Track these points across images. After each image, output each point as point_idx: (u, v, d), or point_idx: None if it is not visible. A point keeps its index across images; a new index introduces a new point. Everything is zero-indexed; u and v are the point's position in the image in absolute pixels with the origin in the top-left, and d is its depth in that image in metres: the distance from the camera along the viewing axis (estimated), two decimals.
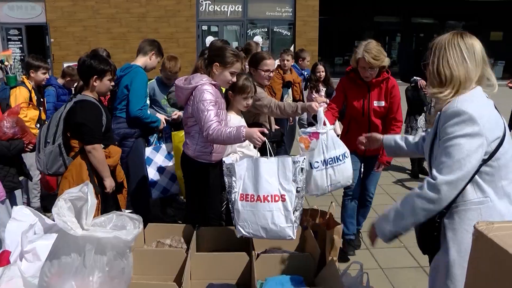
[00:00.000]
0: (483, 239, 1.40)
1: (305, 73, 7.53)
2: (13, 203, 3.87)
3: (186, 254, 3.16)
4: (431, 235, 2.21)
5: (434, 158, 2.19)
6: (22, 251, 3.11)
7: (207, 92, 3.28)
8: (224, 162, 3.06)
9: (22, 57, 19.55)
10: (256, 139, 3.06)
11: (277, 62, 6.27)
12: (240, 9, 19.82)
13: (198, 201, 3.63)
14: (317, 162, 3.42)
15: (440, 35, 2.25)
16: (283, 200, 2.96)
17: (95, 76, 3.53)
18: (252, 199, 2.99)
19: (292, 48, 18.39)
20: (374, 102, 4.03)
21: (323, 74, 6.61)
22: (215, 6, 19.72)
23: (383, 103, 4.03)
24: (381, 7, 21.18)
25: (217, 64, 3.40)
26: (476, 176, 2.07)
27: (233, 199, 3.05)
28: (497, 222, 1.47)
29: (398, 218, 2.18)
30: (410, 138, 2.80)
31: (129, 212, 2.70)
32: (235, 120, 3.65)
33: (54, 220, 2.54)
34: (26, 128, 4.01)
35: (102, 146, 3.50)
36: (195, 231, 3.44)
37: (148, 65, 4.60)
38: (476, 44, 2.17)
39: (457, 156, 1.99)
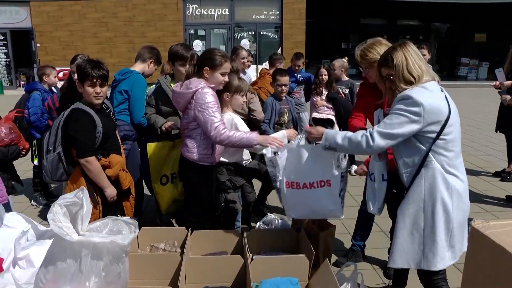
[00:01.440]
0: (479, 237, 1.43)
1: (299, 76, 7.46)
2: (7, 209, 3.85)
3: (180, 257, 3.15)
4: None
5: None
6: (15, 258, 3.09)
7: (209, 94, 3.33)
8: (265, 155, 3.14)
9: (7, 62, 19.38)
10: (274, 144, 3.18)
11: (264, 64, 6.28)
12: (227, 13, 19.83)
13: (205, 205, 3.65)
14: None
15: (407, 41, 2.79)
16: (329, 185, 3.10)
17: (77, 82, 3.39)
18: (298, 186, 3.12)
19: (279, 51, 18.47)
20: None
21: (325, 77, 6.59)
22: (202, 10, 19.70)
23: None
24: (367, 9, 21.35)
25: (207, 68, 3.43)
26: (432, 147, 2.64)
27: (278, 187, 3.17)
28: (493, 220, 1.50)
29: (342, 138, 2.81)
30: None
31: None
32: (238, 120, 3.70)
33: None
34: (20, 134, 4.06)
35: (100, 156, 3.36)
36: (189, 235, 3.45)
37: (146, 72, 4.60)
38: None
39: (395, 121, 2.62)
